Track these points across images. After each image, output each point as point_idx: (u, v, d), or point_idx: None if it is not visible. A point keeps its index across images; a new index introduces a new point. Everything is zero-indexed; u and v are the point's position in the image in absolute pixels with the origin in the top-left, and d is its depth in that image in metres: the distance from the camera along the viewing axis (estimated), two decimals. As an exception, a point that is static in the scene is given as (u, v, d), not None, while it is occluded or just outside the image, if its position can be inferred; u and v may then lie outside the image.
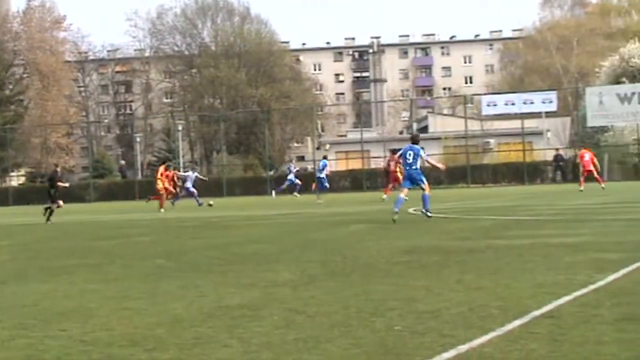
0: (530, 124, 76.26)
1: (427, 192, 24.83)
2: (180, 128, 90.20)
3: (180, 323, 8.72)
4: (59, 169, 39.81)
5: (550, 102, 72.42)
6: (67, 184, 38.99)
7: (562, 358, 6.68)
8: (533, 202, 33.98)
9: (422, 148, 25.51)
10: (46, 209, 35.27)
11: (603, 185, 45.60)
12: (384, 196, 42.08)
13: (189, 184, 50.27)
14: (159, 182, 44.43)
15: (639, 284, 10.23)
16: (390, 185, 43.30)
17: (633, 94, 65.57)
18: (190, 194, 49.51)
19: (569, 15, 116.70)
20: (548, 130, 78.26)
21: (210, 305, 9.81)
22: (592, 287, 10.11)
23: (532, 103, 72.33)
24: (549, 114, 77.58)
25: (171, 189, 46.27)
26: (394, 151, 47.46)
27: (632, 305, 8.81)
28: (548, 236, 17.47)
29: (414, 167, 24.97)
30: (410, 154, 24.89)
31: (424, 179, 25.10)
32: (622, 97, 65.92)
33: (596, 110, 66.72)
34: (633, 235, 16.91)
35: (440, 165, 29.66)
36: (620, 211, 25.38)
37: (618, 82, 69.29)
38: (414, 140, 25.65)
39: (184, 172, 56.43)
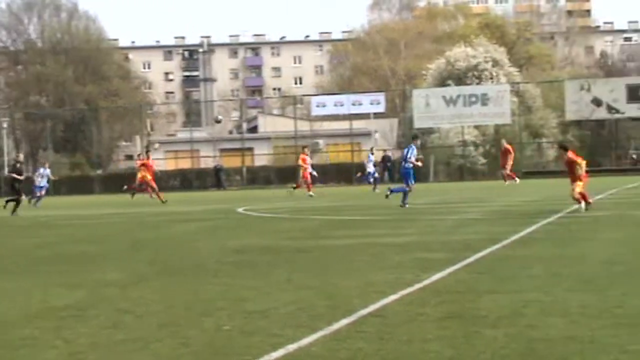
0: (358, 125, 77.28)
1: (406, 187, 28.20)
2: (5, 125, 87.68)
3: (5, 324, 8.49)
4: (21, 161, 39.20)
5: (379, 103, 73.64)
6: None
7: (389, 356, 6.79)
8: (361, 202, 34.47)
9: (412, 147, 28.62)
10: (8, 201, 35.70)
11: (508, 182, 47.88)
12: (310, 193, 42.10)
13: (41, 182, 48.31)
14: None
15: (462, 283, 10.49)
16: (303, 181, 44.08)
17: (458, 96, 67.28)
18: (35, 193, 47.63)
19: (397, 18, 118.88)
20: (376, 132, 79.49)
21: (37, 306, 9.58)
22: (418, 286, 10.31)
23: (360, 104, 73.38)
24: (377, 115, 78.81)
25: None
26: (304, 147, 48.21)
27: (456, 303, 9.03)
28: (376, 236, 17.74)
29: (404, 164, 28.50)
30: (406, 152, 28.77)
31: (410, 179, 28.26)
32: (448, 99, 67.58)
33: (423, 112, 68.19)
34: (458, 235, 17.34)
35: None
36: (446, 211, 25.99)
37: (444, 85, 70.96)
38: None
39: (37, 170, 54.04)
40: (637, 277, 10.49)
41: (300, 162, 45.01)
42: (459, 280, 10.80)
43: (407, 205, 27.41)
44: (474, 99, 67.10)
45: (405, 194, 27.88)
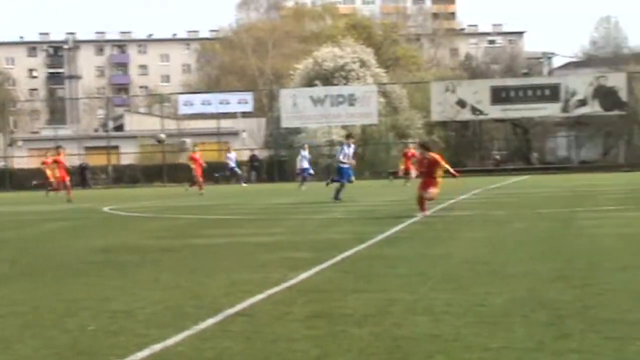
0: (226, 124, 77.08)
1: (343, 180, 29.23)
2: None
3: None
4: None
5: (246, 102, 73.59)
6: None
7: (256, 355, 6.77)
8: (230, 201, 34.37)
9: (343, 146, 29.75)
10: None
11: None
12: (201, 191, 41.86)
13: None
14: None
15: (329, 282, 10.54)
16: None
17: (326, 96, 67.71)
18: None
19: (265, 18, 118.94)
20: (244, 131, 79.40)
21: None
22: (285, 285, 10.32)
23: (228, 103, 73.20)
24: (245, 115, 78.73)
25: None
26: (195, 145, 47.89)
27: (322, 302, 9.06)
28: (244, 235, 17.71)
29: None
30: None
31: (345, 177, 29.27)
32: (315, 99, 67.96)
33: (290, 111, 68.43)
34: (325, 234, 17.43)
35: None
36: (313, 211, 26.10)
37: (312, 85, 71.28)
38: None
39: None
40: (500, 276, 10.71)
41: (189, 161, 45.02)
42: (325, 279, 10.85)
43: (339, 199, 29.13)
44: (341, 99, 67.63)
45: (340, 187, 29.00)
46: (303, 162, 49.72)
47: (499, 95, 63.89)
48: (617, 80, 62.27)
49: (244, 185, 55.74)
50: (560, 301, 8.83)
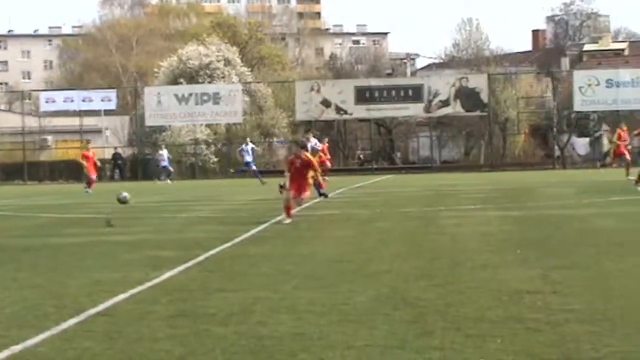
0: (89, 121, 75.90)
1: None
2: None
3: None
4: None
5: (110, 100, 72.52)
6: None
7: (117, 355, 6.68)
8: (92, 200, 33.82)
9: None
10: None
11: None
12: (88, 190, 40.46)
13: None
14: None
15: (193, 281, 10.48)
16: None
17: (190, 94, 67.22)
18: None
19: (129, 14, 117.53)
20: (107, 129, 78.26)
21: None
22: (148, 284, 10.22)
23: (91, 101, 72.02)
24: (108, 112, 77.61)
25: None
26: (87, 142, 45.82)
27: (186, 301, 9.01)
28: (106, 234, 17.46)
29: None
30: None
31: None
32: (180, 97, 67.39)
33: (154, 109, 67.71)
34: (189, 233, 17.34)
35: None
36: (177, 209, 25.91)
37: (176, 83, 70.68)
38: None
39: None
40: (364, 275, 10.81)
41: (82, 159, 43.87)
42: (189, 278, 10.79)
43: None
44: (206, 97, 67.26)
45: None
46: (246, 156, 48.99)
47: (363, 95, 64.47)
48: (478, 81, 63.52)
49: (169, 182, 54.86)
50: (423, 299, 8.96)
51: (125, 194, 25.48)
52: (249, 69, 76.70)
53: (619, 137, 38.07)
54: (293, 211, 19.31)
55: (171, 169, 59.65)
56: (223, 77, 71.47)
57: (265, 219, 19.73)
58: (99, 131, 77.43)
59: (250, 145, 49.45)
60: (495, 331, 7.38)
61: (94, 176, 42.97)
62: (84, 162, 43.57)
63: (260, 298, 9.15)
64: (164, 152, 57.46)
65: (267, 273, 11.12)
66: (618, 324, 7.57)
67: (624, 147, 37.66)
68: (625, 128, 38.92)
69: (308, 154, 21.08)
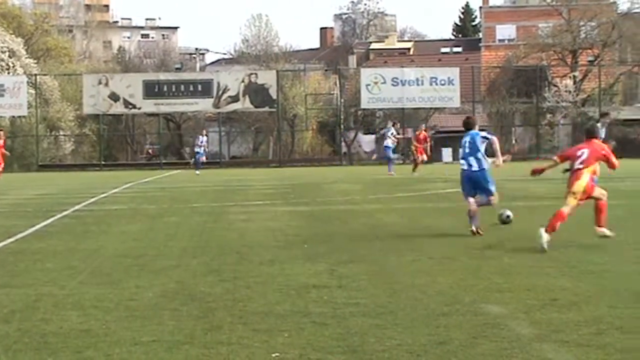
0: None
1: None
2: None
3: None
4: None
5: None
6: None
7: None
8: None
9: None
10: None
11: None
12: None
13: None
14: None
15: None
16: None
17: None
18: None
19: None
20: None
21: None
22: None
23: None
24: None
25: None
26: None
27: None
28: None
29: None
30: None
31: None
32: None
33: None
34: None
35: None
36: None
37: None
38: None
39: None
40: (151, 270, 10.72)
41: None
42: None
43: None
44: (-10, 89, 65.14)
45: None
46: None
47: (152, 90, 63.81)
48: (267, 77, 63.92)
49: None
50: (211, 294, 8.97)
51: None
52: (35, 61, 74.66)
53: (417, 139, 39.12)
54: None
55: None
56: (8, 69, 69.33)
57: (51, 213, 19.28)
58: None
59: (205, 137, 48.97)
60: (282, 325, 7.46)
61: None
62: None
63: (45, 294, 8.95)
64: None
65: (52, 269, 10.88)
66: (401, 317, 7.79)
67: (423, 149, 38.57)
68: (420, 130, 40.23)
69: None
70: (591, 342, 6.68)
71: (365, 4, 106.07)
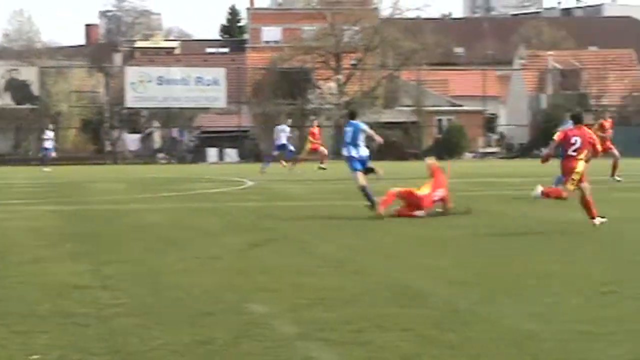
0: None
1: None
2: None
3: None
4: None
5: None
6: None
7: None
8: None
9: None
10: None
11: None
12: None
13: None
14: None
15: None
16: None
17: None
18: None
19: None
20: None
21: None
22: None
23: None
24: None
25: None
26: None
27: None
28: None
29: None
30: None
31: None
32: None
33: None
34: None
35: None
36: None
37: None
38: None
39: None
40: None
41: None
42: None
43: None
44: None
45: None
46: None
47: None
48: (29, 74, 62.21)
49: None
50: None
51: None
52: None
53: (312, 135, 37.87)
54: None
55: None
56: None
57: None
58: None
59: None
60: (42, 326, 7.32)
61: None
62: None
63: None
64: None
65: None
66: (165, 316, 7.77)
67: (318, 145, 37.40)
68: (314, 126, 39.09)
69: None
70: (353, 340, 6.86)
71: (130, 2, 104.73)
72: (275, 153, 36.60)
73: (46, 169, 43.46)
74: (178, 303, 8.42)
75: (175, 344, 6.78)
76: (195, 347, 6.68)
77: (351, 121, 17.52)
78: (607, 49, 74.89)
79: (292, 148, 36.09)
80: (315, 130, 38.50)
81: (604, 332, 7.00)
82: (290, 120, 39.69)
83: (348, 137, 17.10)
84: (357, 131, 17.09)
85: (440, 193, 16.52)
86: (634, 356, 6.32)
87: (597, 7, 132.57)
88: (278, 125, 37.79)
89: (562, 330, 7.11)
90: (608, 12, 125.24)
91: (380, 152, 33.20)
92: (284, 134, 35.98)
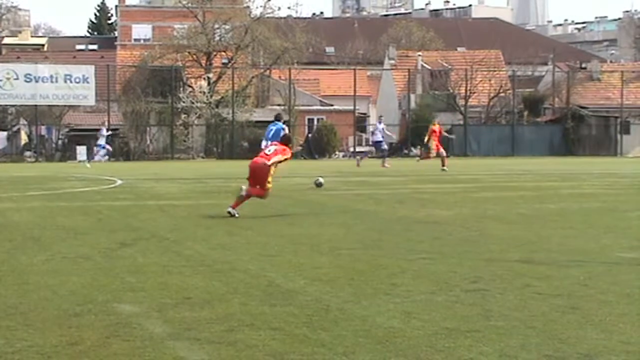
0: None
1: None
2: None
3: None
4: None
5: None
6: None
7: None
8: None
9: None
10: None
11: None
12: None
13: None
14: None
15: None
16: None
17: None
18: None
19: None
20: None
21: None
22: None
23: None
24: None
25: None
26: None
27: None
28: None
29: None
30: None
31: None
32: None
33: None
34: None
35: None
36: None
37: None
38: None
39: None
40: None
41: None
42: None
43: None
44: None
45: None
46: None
47: None
48: None
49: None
50: None
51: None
52: None
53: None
54: None
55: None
56: None
57: None
58: None
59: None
60: None
61: None
62: None
63: None
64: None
65: None
66: (32, 317, 7.62)
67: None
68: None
69: None
70: (223, 339, 6.84)
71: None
72: None
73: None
74: (45, 304, 8.26)
75: (42, 345, 6.65)
76: (63, 349, 6.56)
77: (276, 121, 22.10)
78: (475, 50, 76.54)
79: None
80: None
81: (471, 330, 7.14)
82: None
83: (270, 134, 21.56)
84: (279, 130, 21.12)
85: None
86: (500, 353, 6.45)
87: (466, 9, 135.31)
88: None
89: (429, 327, 7.22)
90: (476, 13, 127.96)
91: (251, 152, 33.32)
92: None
